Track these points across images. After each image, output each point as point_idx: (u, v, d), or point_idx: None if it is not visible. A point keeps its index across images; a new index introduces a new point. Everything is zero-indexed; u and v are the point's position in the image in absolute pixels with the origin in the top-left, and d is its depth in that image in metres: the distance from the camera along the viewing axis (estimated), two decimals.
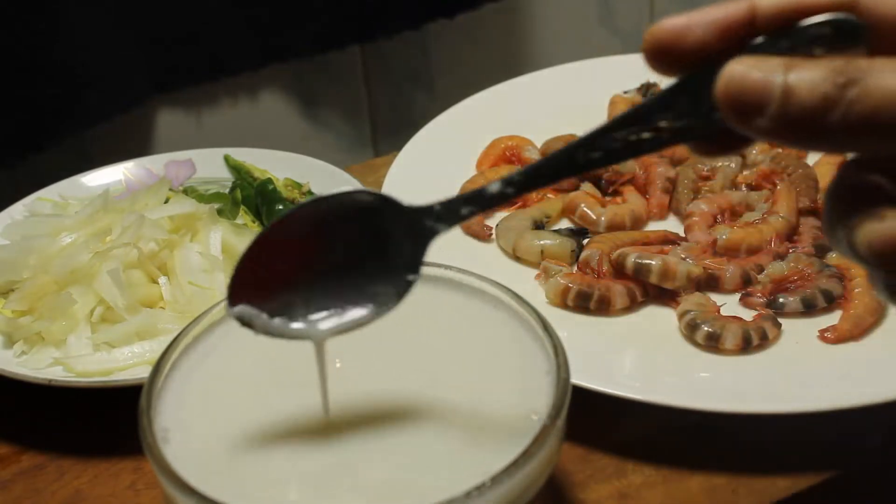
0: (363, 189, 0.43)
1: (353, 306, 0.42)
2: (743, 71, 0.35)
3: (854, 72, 0.33)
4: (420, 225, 0.41)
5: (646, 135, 0.37)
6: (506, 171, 0.80)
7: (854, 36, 0.35)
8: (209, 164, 0.83)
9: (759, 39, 0.36)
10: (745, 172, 0.80)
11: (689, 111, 0.37)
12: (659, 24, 0.37)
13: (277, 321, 0.43)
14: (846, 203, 0.36)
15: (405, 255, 0.41)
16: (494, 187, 0.40)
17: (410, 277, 0.42)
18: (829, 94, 0.33)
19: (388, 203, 0.41)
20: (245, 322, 0.42)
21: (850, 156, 0.37)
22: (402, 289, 0.42)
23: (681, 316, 0.65)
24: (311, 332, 0.43)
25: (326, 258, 0.42)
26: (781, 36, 0.36)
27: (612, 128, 0.38)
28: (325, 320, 0.43)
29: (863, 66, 0.33)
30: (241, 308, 0.42)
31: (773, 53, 0.35)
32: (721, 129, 0.36)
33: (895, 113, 0.32)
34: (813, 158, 0.83)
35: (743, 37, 0.36)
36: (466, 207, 0.41)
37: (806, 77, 0.33)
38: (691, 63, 0.37)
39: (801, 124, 0.33)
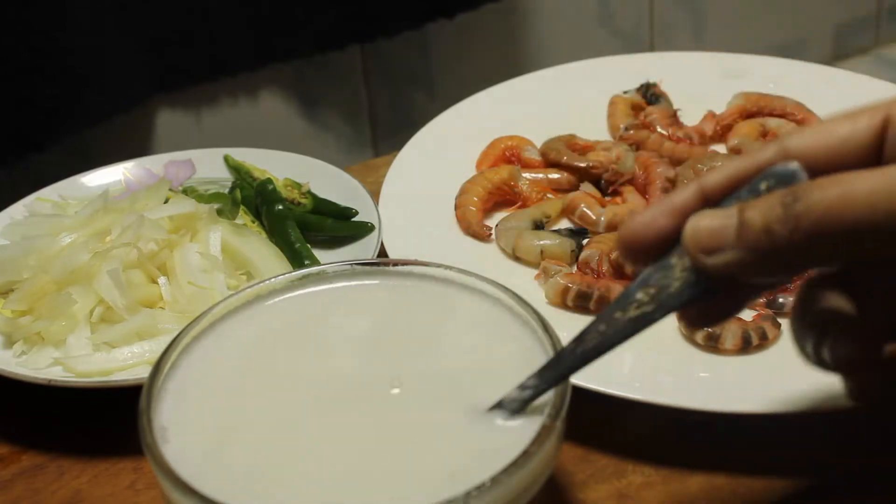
0: None
1: None
2: (704, 218, 0.39)
3: (798, 192, 0.37)
4: None
5: (633, 313, 0.41)
6: (506, 171, 0.79)
7: (795, 180, 0.38)
8: (209, 164, 0.83)
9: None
10: None
11: (666, 282, 0.40)
12: (626, 224, 0.42)
13: None
14: (809, 323, 0.41)
15: None
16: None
17: None
18: (779, 214, 0.36)
19: None
20: None
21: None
22: None
23: None
24: None
25: None
26: (734, 199, 0.40)
27: (604, 316, 0.41)
28: None
29: (804, 187, 0.37)
30: None
31: None
32: (698, 292, 0.39)
33: (836, 222, 0.36)
34: None
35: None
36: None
37: (757, 207, 0.38)
38: (661, 249, 0.41)
39: (760, 247, 0.37)
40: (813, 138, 0.39)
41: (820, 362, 0.41)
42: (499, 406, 0.44)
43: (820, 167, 0.39)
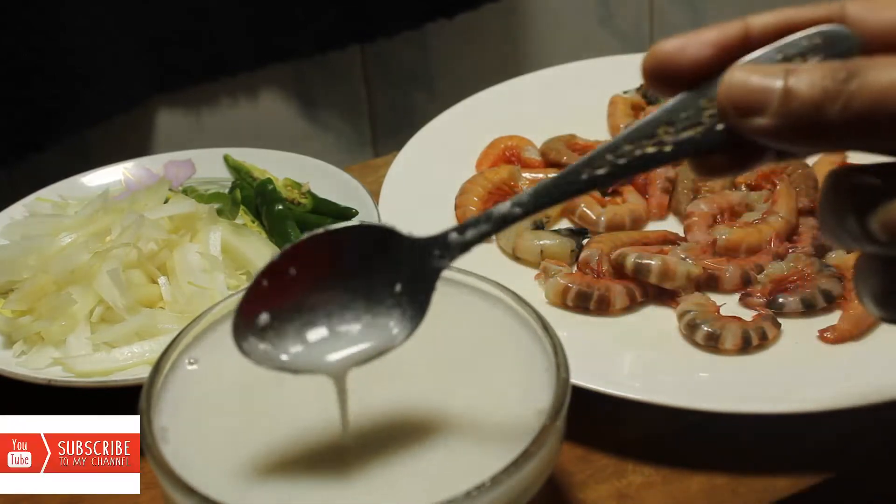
0: (370, 224, 0.43)
1: (363, 338, 0.43)
2: (744, 74, 0.36)
3: (853, 68, 0.34)
4: (427, 261, 0.42)
5: (650, 149, 0.38)
6: (506, 171, 0.79)
7: (845, 45, 0.36)
8: (209, 164, 0.83)
9: (755, 54, 0.37)
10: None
11: (691, 123, 0.37)
12: (657, 45, 0.38)
13: (290, 354, 0.42)
14: (847, 199, 0.36)
15: (414, 289, 0.42)
16: (503, 208, 0.41)
17: (418, 311, 0.42)
18: (829, 88, 0.34)
19: (395, 236, 0.42)
20: (256, 357, 0.42)
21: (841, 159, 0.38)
22: (412, 324, 0.42)
23: (680, 316, 0.65)
24: (325, 366, 0.43)
25: (334, 290, 0.42)
26: (776, 49, 0.36)
27: (617, 145, 0.38)
28: (334, 352, 0.43)
29: (861, 63, 0.34)
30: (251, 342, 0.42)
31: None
32: (722, 142, 0.37)
33: (891, 107, 0.33)
34: (813, 159, 0.83)
35: (738, 54, 0.37)
36: (473, 232, 0.42)
37: (805, 77, 0.34)
38: (690, 80, 0.37)
39: (803, 119, 0.34)
40: (875, 13, 0.36)
41: (864, 236, 0.36)
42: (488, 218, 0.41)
43: (876, 45, 0.36)
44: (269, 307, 0.42)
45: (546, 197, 0.40)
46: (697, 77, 0.37)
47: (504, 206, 0.41)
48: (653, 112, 0.38)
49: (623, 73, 0.93)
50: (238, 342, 0.41)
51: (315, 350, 0.42)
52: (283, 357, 0.42)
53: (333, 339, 0.43)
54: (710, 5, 1.35)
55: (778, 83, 0.35)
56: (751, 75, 0.36)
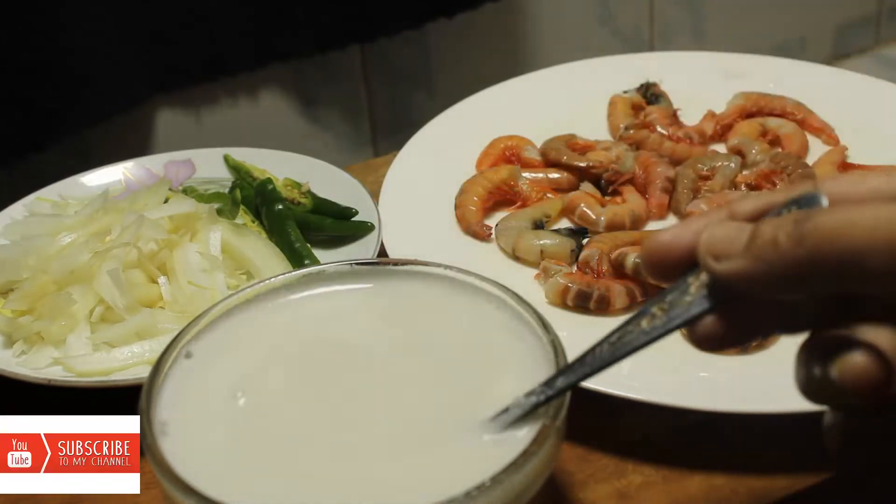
0: None
1: None
2: (719, 225, 0.39)
3: (812, 212, 0.37)
4: None
5: (644, 325, 0.41)
6: (506, 171, 0.79)
7: (815, 204, 0.38)
8: (209, 164, 0.83)
9: None
10: (744, 172, 0.80)
11: (680, 296, 0.40)
12: (650, 241, 0.41)
13: None
14: (821, 342, 0.40)
15: None
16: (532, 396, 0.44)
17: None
18: (789, 230, 0.37)
19: None
20: None
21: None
22: None
23: None
24: None
25: None
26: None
27: (626, 325, 0.42)
28: None
29: (819, 209, 0.37)
30: None
31: None
32: (709, 308, 0.39)
33: (837, 244, 0.35)
34: (812, 158, 0.83)
35: None
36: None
37: (771, 221, 0.38)
38: (684, 267, 0.40)
39: (764, 256, 0.37)
40: (846, 183, 0.39)
41: (823, 381, 0.40)
42: (504, 412, 0.44)
43: None
44: None
45: (558, 387, 0.43)
46: (690, 263, 0.40)
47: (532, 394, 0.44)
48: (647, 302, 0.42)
49: (623, 73, 0.93)
50: None
51: None
52: None
53: None
54: (710, 5, 1.35)
55: (747, 229, 0.38)
56: (726, 227, 0.39)
